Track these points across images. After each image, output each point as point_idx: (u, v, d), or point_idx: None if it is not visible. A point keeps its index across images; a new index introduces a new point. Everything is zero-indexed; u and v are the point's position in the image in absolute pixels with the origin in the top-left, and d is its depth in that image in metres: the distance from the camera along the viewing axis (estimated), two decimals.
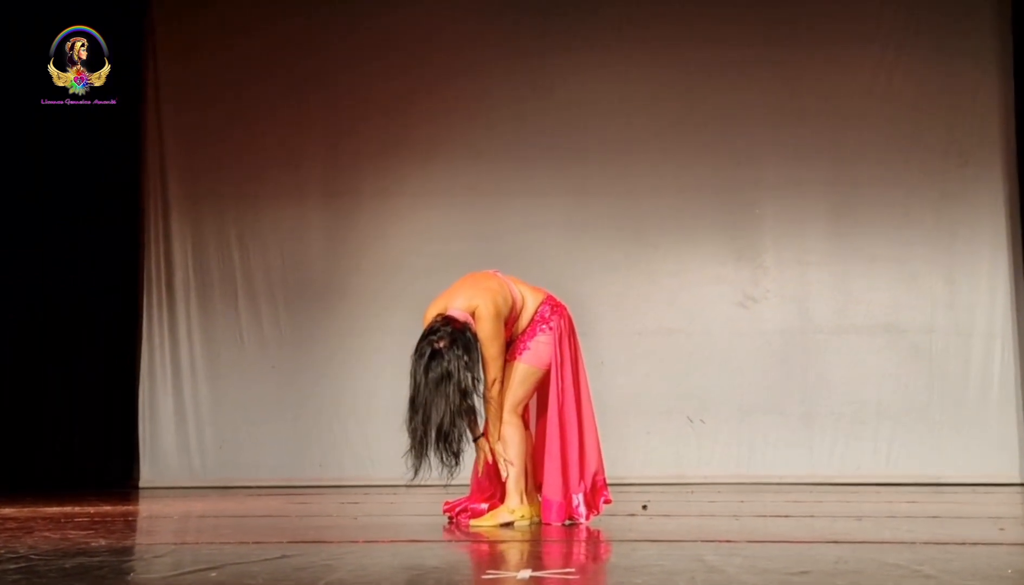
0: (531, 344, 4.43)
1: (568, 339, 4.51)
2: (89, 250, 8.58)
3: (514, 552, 3.53)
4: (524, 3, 8.63)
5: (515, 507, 4.33)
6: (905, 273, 8.27)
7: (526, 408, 4.52)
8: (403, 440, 8.69)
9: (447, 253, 8.24)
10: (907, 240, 8.27)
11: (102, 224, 8.59)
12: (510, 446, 4.36)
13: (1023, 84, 8.13)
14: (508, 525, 4.29)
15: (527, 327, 4.48)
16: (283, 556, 3.22)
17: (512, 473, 4.35)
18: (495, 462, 4.42)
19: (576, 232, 8.20)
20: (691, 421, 8.27)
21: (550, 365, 4.44)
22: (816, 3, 8.49)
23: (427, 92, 8.63)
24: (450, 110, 8.47)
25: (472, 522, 4.37)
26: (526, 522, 4.33)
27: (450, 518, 4.51)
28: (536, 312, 4.48)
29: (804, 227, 8.37)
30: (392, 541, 3.83)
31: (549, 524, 4.38)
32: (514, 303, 4.44)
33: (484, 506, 4.51)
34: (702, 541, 3.63)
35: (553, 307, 4.51)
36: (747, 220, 8.40)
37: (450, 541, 3.90)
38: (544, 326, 4.45)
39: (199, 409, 8.60)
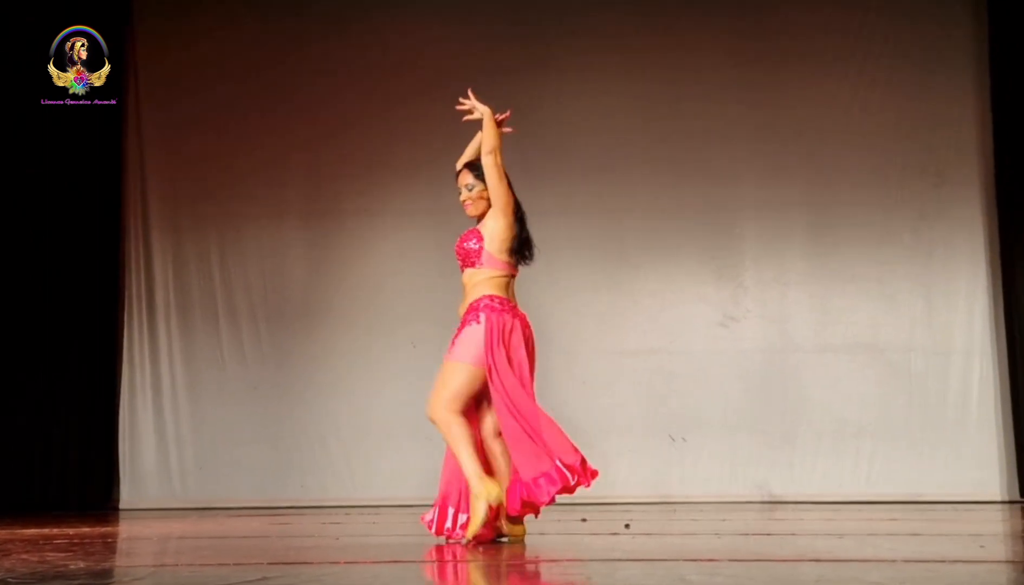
0: (457, 340, 4.43)
1: (520, 346, 4.46)
2: (69, 269, 8.54)
3: (496, 571, 3.52)
4: (506, 23, 8.67)
5: (479, 490, 4.28)
6: (884, 292, 8.32)
7: (474, 409, 4.46)
8: (385, 460, 8.68)
9: (428, 273, 8.25)
10: (885, 259, 8.33)
11: (82, 243, 8.56)
12: (455, 440, 4.34)
13: (1000, 104, 8.22)
14: (490, 511, 4.23)
15: (466, 311, 4.46)
16: (263, 578, 3.21)
17: (467, 467, 4.31)
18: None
19: (557, 252, 8.19)
20: (673, 440, 8.28)
21: (483, 363, 4.37)
22: (795, 24, 8.56)
23: (407, 110, 8.64)
24: (431, 130, 8.46)
25: (464, 540, 4.33)
26: (496, 491, 4.24)
27: (447, 537, 4.46)
28: (478, 300, 4.45)
29: (783, 247, 8.41)
30: (373, 562, 3.81)
31: (515, 511, 4.33)
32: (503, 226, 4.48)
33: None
34: (684, 560, 3.63)
35: (494, 307, 4.43)
36: (727, 240, 8.44)
37: (431, 562, 3.88)
38: (472, 318, 4.41)
39: (180, 430, 8.55)
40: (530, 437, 4.33)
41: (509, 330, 4.43)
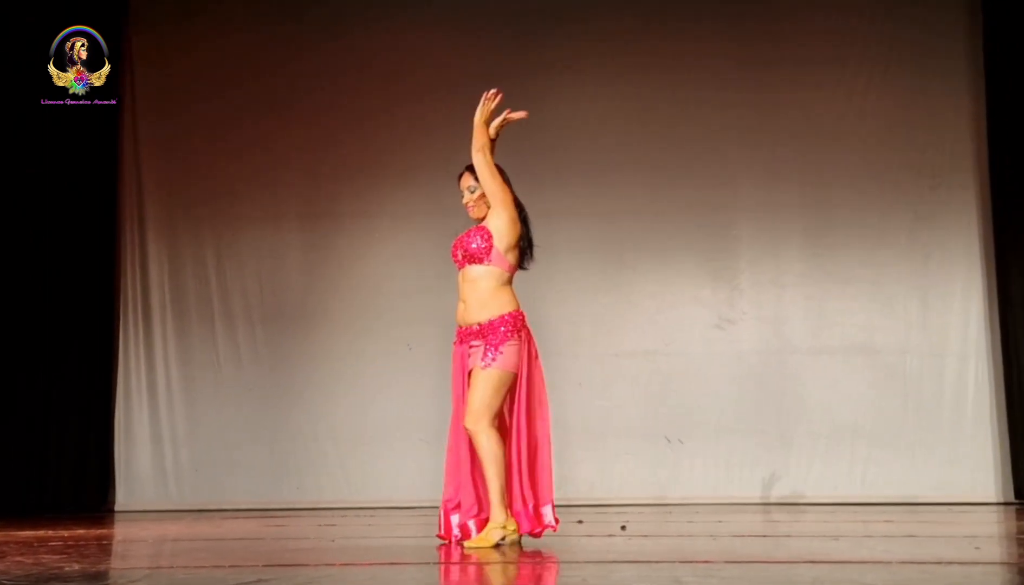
0: (503, 349, 4.38)
1: (533, 363, 4.51)
2: (65, 271, 8.52)
3: (492, 573, 3.53)
4: (504, 25, 8.67)
5: (503, 521, 4.33)
6: (879, 294, 8.33)
7: (502, 419, 4.51)
8: (381, 462, 8.68)
9: (425, 276, 8.24)
10: (881, 262, 8.34)
11: (78, 245, 8.55)
12: (488, 458, 4.33)
13: (995, 107, 8.23)
14: (501, 543, 4.28)
15: (495, 322, 4.43)
16: (259, 580, 3.21)
17: (494, 488, 4.33)
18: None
19: (554, 254, 8.17)
20: (669, 441, 8.28)
21: (517, 372, 4.43)
22: (792, 27, 8.57)
23: (405, 114, 8.64)
24: (429, 132, 8.48)
25: (466, 544, 4.34)
26: (515, 536, 4.32)
27: (448, 540, 4.48)
28: (510, 315, 4.44)
29: (779, 249, 8.42)
30: (370, 564, 3.81)
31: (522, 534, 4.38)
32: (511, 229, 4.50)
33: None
34: (680, 562, 3.64)
35: (525, 325, 4.49)
36: (723, 242, 8.44)
37: (427, 564, 3.89)
38: (515, 336, 4.42)
39: (175, 432, 8.54)
40: (532, 469, 4.41)
41: (534, 354, 4.50)
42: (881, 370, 8.25)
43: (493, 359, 4.38)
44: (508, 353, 4.38)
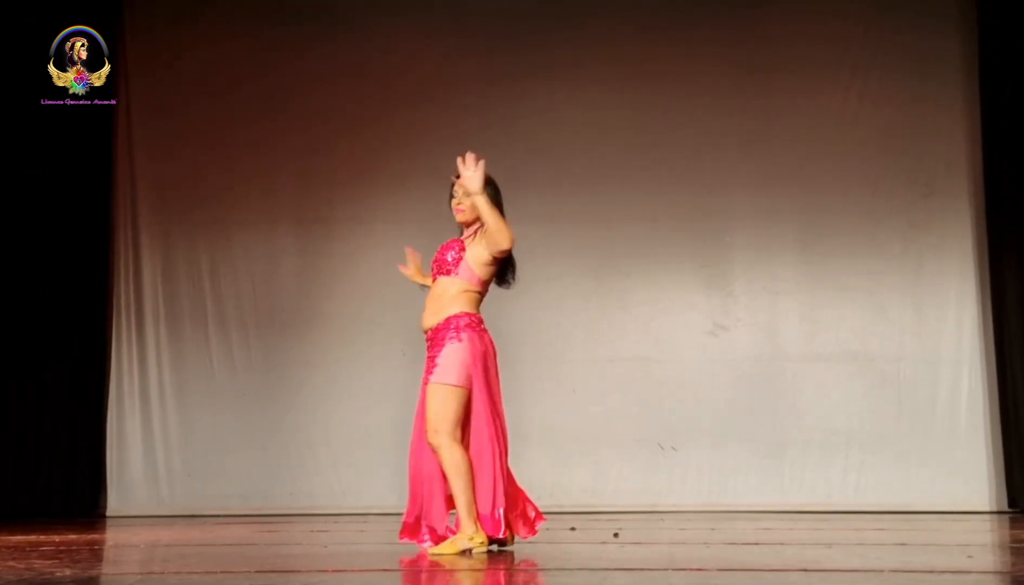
0: (439, 360, 4.40)
1: (493, 366, 4.49)
2: (57, 275, 8.49)
3: (484, 580, 3.52)
4: (498, 31, 8.68)
5: (472, 533, 4.31)
6: (873, 302, 8.34)
7: (464, 432, 4.47)
8: (374, 468, 8.67)
9: None
10: (875, 269, 8.35)
11: (73, 247, 8.52)
12: (455, 469, 4.32)
13: (989, 115, 8.25)
14: (467, 552, 4.27)
15: (440, 326, 4.43)
16: None
17: (461, 502, 4.33)
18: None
19: (547, 260, 8.22)
20: (662, 448, 8.28)
21: (469, 382, 4.40)
22: (787, 35, 8.59)
23: (400, 119, 8.64)
24: (422, 137, 8.48)
25: (431, 550, 4.34)
26: (484, 549, 4.31)
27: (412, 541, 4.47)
28: (455, 316, 4.44)
29: (773, 256, 8.43)
30: (362, 570, 3.81)
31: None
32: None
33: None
34: (673, 569, 3.64)
35: (473, 325, 4.45)
36: (717, 249, 8.45)
37: (419, 570, 3.88)
38: (454, 336, 4.41)
39: (168, 437, 8.52)
40: (494, 473, 4.38)
41: (489, 352, 4.47)
42: (875, 377, 8.26)
43: (429, 373, 4.42)
44: (447, 364, 4.37)
